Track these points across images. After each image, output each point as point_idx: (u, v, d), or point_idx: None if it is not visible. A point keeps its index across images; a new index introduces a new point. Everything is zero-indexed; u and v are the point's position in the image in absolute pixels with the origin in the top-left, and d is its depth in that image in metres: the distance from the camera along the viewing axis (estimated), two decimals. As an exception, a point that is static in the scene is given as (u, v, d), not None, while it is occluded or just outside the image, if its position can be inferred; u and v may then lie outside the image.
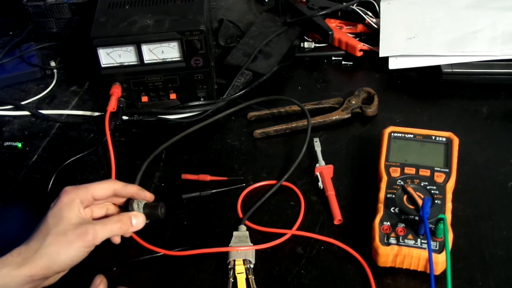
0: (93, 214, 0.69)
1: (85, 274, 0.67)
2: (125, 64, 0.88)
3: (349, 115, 0.89)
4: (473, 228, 0.71)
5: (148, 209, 0.70)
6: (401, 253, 0.64)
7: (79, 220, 0.64)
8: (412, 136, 0.77)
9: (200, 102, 0.92)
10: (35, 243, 0.62)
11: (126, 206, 0.71)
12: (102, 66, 0.87)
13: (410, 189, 0.69)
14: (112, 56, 0.87)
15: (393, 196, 0.70)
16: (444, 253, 0.62)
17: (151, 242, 0.71)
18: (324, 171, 0.78)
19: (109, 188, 0.69)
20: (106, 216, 0.70)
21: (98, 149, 0.88)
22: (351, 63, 1.02)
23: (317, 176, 0.78)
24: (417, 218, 0.67)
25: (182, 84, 0.91)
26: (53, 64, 1.07)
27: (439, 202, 0.68)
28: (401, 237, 0.65)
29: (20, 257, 0.60)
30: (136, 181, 0.79)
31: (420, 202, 0.67)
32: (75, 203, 0.65)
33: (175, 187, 0.80)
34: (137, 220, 0.68)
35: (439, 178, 0.71)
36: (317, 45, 1.06)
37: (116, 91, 0.88)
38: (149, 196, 0.72)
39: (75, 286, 0.67)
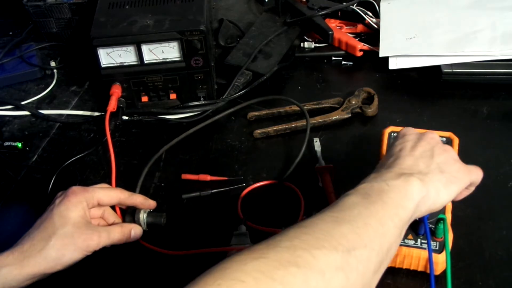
0: (91, 213, 0.69)
1: (83, 273, 0.67)
2: (125, 64, 0.88)
3: (349, 115, 0.89)
4: (473, 228, 0.71)
5: (152, 218, 0.72)
6: (401, 253, 0.64)
7: (84, 223, 0.65)
8: (412, 136, 0.77)
9: (200, 102, 0.92)
10: (40, 242, 0.62)
11: (125, 211, 0.73)
12: (102, 66, 0.87)
13: None
14: (112, 56, 0.87)
15: (393, 196, 0.69)
16: (444, 253, 0.62)
17: (151, 242, 0.71)
18: (324, 171, 0.78)
19: (115, 197, 0.70)
20: (102, 218, 0.71)
21: (98, 149, 0.88)
22: (351, 63, 1.02)
23: (317, 176, 0.78)
24: (417, 218, 0.66)
25: (182, 84, 0.91)
26: (53, 64, 1.07)
27: (439, 202, 0.68)
28: (401, 237, 0.65)
29: (23, 255, 0.60)
30: (138, 187, 0.79)
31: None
32: (82, 205, 0.66)
33: (175, 187, 0.80)
34: (135, 234, 0.70)
35: (439, 178, 0.71)
36: (317, 45, 1.06)
37: (116, 91, 0.88)
38: (152, 204, 0.74)
39: (71, 283, 0.67)
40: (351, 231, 0.48)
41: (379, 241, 0.49)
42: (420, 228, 0.65)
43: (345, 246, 0.47)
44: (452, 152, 0.63)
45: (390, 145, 0.65)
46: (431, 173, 0.58)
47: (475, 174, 0.63)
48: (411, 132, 0.65)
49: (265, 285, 0.42)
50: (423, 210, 0.56)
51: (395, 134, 0.77)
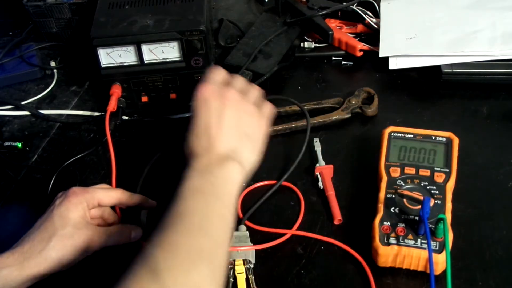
0: (91, 213, 0.69)
1: (83, 273, 0.67)
2: (125, 64, 0.88)
3: (349, 115, 0.89)
4: (473, 228, 0.71)
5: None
6: (401, 253, 0.64)
7: (84, 224, 0.65)
8: (412, 136, 0.77)
9: (200, 102, 0.92)
10: (40, 243, 0.61)
11: (125, 211, 0.73)
12: (102, 66, 0.87)
13: (406, 192, 0.68)
14: (112, 56, 0.87)
15: (393, 196, 0.70)
16: (444, 253, 0.62)
17: (151, 242, 0.71)
18: (324, 171, 0.78)
19: (116, 198, 0.70)
20: (102, 218, 0.71)
21: (98, 149, 0.88)
22: (351, 63, 1.02)
23: (317, 176, 0.78)
24: (417, 218, 0.67)
25: (182, 84, 0.91)
26: (53, 64, 1.07)
27: (439, 202, 0.68)
28: (401, 237, 0.65)
29: (23, 256, 0.60)
30: (138, 187, 0.79)
31: (421, 199, 0.67)
32: (83, 206, 0.66)
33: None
34: (135, 235, 0.69)
35: (439, 178, 0.71)
36: (317, 45, 1.06)
37: (116, 91, 0.88)
38: (153, 205, 0.74)
39: (71, 283, 0.67)
40: (205, 238, 0.53)
41: (225, 233, 0.55)
42: (420, 228, 0.65)
43: (207, 256, 0.52)
44: (248, 108, 0.65)
45: (195, 113, 0.64)
46: (242, 146, 0.62)
47: (269, 114, 0.68)
48: (211, 94, 0.64)
49: None
50: (244, 180, 0.62)
51: (395, 134, 0.77)
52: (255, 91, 0.68)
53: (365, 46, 1.02)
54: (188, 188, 0.57)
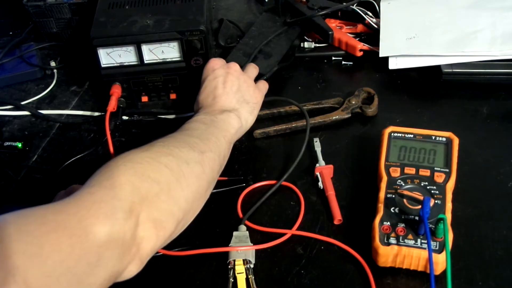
0: None
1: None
2: (125, 64, 0.88)
3: (349, 115, 0.89)
4: (473, 228, 0.71)
5: None
6: (401, 253, 0.64)
7: None
8: (412, 136, 0.77)
9: (200, 102, 0.92)
10: None
11: None
12: (102, 66, 0.88)
13: (406, 192, 0.68)
14: (112, 56, 0.87)
15: (393, 196, 0.70)
16: (444, 253, 0.62)
17: (151, 242, 0.71)
18: (324, 171, 0.78)
19: None
20: None
21: (98, 149, 0.88)
22: (351, 63, 1.02)
23: (317, 176, 0.78)
24: (417, 218, 0.67)
25: (182, 84, 0.91)
26: (53, 64, 1.07)
27: (439, 202, 0.68)
28: (401, 237, 0.65)
29: None
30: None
31: (421, 199, 0.67)
32: None
33: (175, 187, 0.80)
34: None
35: (439, 178, 0.71)
36: (317, 45, 1.06)
37: (116, 91, 0.89)
38: None
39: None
40: (200, 141, 0.66)
41: (218, 149, 0.68)
42: (420, 228, 0.65)
43: (199, 149, 0.65)
44: (247, 80, 0.81)
45: (204, 79, 0.80)
46: (241, 108, 0.77)
47: (264, 89, 0.85)
48: (218, 66, 0.81)
49: (154, 166, 0.59)
50: (239, 134, 0.77)
51: (395, 134, 0.77)
52: (253, 69, 0.86)
53: (365, 46, 1.02)
54: (195, 120, 0.72)
